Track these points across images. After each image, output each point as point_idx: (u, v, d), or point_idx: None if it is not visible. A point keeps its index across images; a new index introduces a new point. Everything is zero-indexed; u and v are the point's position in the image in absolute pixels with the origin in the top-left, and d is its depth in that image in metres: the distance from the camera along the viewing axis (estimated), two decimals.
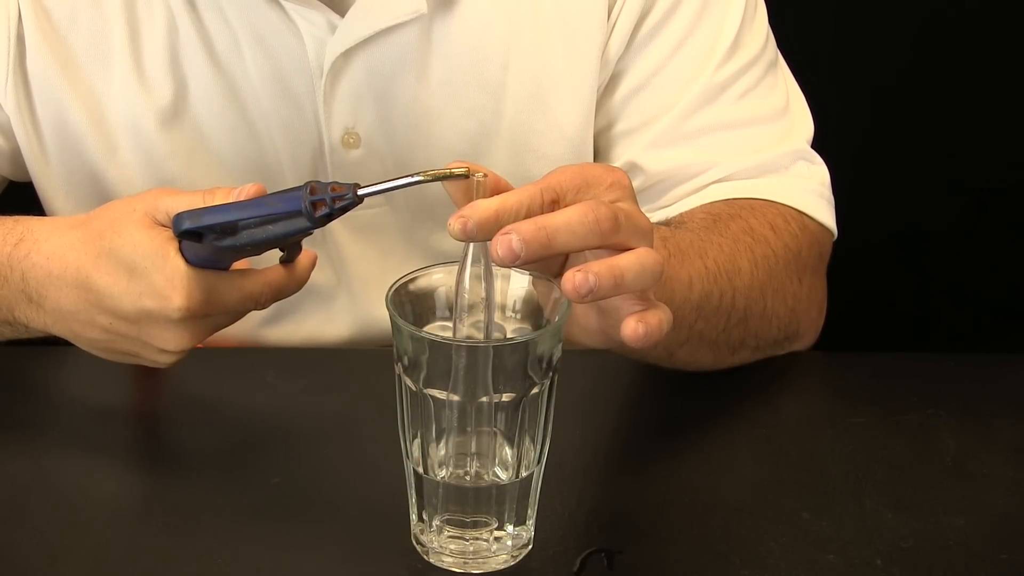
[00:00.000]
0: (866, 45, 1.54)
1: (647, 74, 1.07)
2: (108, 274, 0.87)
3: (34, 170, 1.08)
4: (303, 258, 0.89)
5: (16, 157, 1.08)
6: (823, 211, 1.07)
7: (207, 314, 0.87)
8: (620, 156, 1.08)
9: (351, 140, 1.06)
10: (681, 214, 1.05)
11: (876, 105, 1.56)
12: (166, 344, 0.88)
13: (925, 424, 0.96)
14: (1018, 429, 0.96)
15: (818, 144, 1.11)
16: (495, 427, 0.79)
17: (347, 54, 1.03)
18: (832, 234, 1.08)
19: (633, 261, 0.75)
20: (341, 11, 1.02)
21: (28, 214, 0.96)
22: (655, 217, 1.06)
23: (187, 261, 0.85)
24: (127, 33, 1.04)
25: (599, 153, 1.10)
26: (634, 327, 0.75)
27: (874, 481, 0.91)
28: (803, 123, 1.11)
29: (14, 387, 0.99)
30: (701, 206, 1.05)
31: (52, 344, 0.96)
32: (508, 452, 0.80)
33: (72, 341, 0.92)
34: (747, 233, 1.01)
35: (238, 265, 0.88)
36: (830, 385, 1.05)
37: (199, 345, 0.90)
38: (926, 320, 1.60)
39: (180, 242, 0.85)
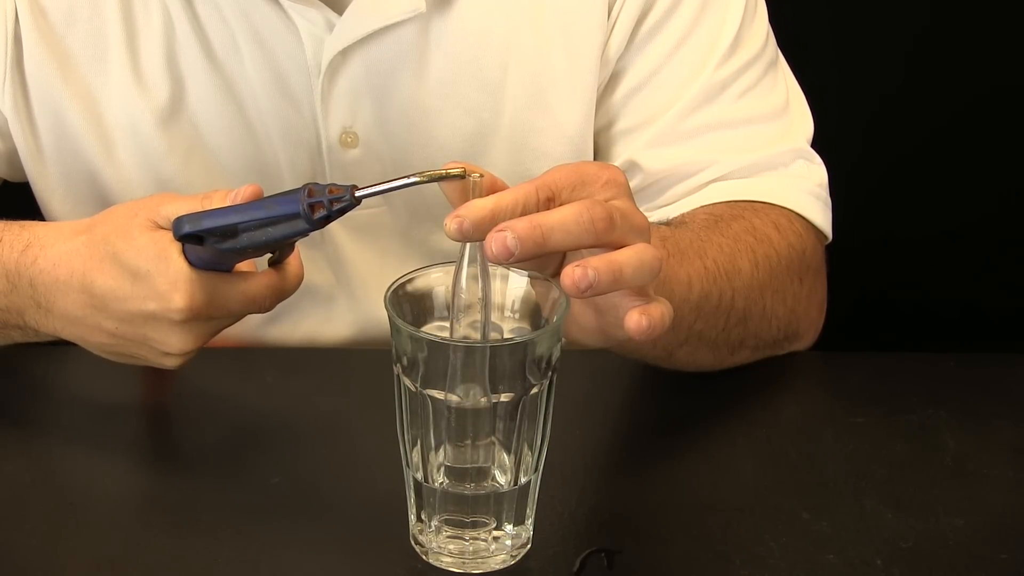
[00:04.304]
0: (866, 46, 1.54)
1: (647, 73, 1.06)
2: (112, 278, 0.87)
3: (31, 170, 1.08)
4: (292, 257, 0.90)
5: (13, 158, 1.08)
6: (818, 213, 1.06)
7: (210, 316, 0.88)
8: (620, 155, 1.08)
9: (349, 139, 1.06)
10: (682, 214, 1.05)
11: (877, 104, 1.56)
12: (170, 347, 0.88)
13: (925, 424, 0.96)
14: (1018, 429, 0.96)
15: (818, 143, 1.10)
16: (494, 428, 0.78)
17: (345, 53, 1.03)
18: (826, 236, 1.08)
19: (631, 256, 0.75)
20: (339, 9, 1.02)
21: (25, 215, 0.96)
22: (654, 216, 1.06)
23: (190, 263, 0.85)
24: (124, 32, 1.03)
25: (599, 152, 1.10)
26: (637, 319, 0.75)
27: (874, 481, 0.90)
28: (803, 122, 1.11)
29: (14, 386, 0.99)
30: (703, 207, 1.05)
31: (51, 343, 0.96)
32: (506, 454, 0.79)
33: (81, 345, 0.93)
34: (749, 232, 1.01)
35: (241, 267, 0.88)
36: (830, 385, 1.04)
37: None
38: (926, 320, 1.60)
39: (183, 245, 0.85)
